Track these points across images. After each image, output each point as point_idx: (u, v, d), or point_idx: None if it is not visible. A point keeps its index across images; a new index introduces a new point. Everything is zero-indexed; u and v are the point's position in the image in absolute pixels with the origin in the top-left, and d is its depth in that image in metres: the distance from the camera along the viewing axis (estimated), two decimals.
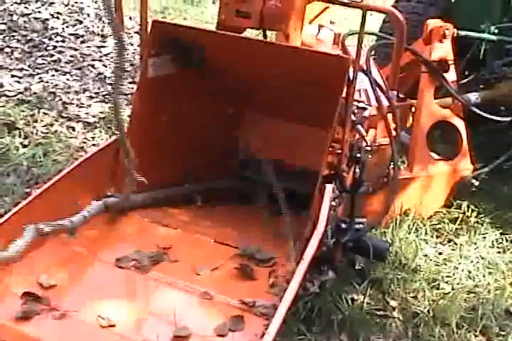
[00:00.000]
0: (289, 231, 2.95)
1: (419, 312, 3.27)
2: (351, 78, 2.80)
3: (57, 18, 6.27)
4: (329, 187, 2.86)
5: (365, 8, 2.73)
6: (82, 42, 6.05)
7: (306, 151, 3.34)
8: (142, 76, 3.14)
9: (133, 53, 6.00)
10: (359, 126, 3.14)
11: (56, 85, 5.32)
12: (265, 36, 3.69)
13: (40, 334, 2.39)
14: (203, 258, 2.92)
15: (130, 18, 6.36)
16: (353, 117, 3.01)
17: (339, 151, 2.92)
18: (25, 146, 4.42)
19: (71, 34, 6.10)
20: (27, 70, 5.53)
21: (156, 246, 2.93)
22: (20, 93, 5.12)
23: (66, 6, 6.54)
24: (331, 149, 2.91)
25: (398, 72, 3.11)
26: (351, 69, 2.78)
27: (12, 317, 2.43)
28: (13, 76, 5.43)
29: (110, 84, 5.46)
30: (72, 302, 2.55)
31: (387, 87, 3.49)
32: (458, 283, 3.51)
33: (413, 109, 4.01)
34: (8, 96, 5.07)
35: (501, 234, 3.95)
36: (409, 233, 3.77)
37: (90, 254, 2.86)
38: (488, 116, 4.28)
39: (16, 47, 5.84)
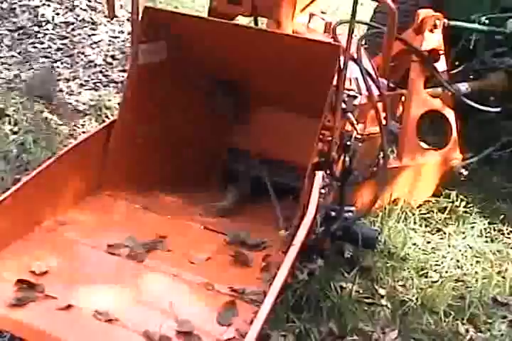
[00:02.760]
0: (279, 215, 2.97)
1: (407, 300, 3.29)
2: (342, 66, 2.80)
3: (48, 5, 6.24)
4: (319, 174, 2.87)
5: None
6: (73, 29, 6.02)
7: (296, 138, 3.34)
8: (133, 62, 3.13)
9: (123, 41, 5.99)
10: (349, 114, 3.15)
11: None
12: (256, 23, 3.69)
13: (35, 322, 2.36)
14: (196, 245, 2.91)
15: (121, 6, 6.33)
16: (343, 105, 3.01)
17: (329, 139, 2.93)
18: (14, 133, 4.41)
19: (62, 22, 6.07)
20: (17, 58, 5.51)
21: (154, 234, 2.92)
22: (10, 80, 5.11)
23: None
24: (321, 137, 2.91)
25: (389, 60, 3.11)
26: (342, 57, 2.79)
27: (5, 304, 2.41)
28: (3, 63, 5.41)
29: (100, 71, 5.47)
30: (67, 289, 2.52)
31: (378, 76, 3.50)
32: (446, 272, 3.53)
33: (403, 99, 4.02)
34: None
35: (489, 223, 3.98)
36: (398, 222, 3.79)
37: (81, 240, 2.85)
38: (478, 106, 4.29)
39: (6, 35, 5.82)
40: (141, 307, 2.50)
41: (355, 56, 3.45)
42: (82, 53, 5.73)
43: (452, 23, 4.17)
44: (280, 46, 2.94)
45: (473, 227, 3.91)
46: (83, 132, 4.52)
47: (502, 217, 4.04)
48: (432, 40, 4.03)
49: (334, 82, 2.80)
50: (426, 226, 3.91)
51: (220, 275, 2.70)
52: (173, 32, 3.11)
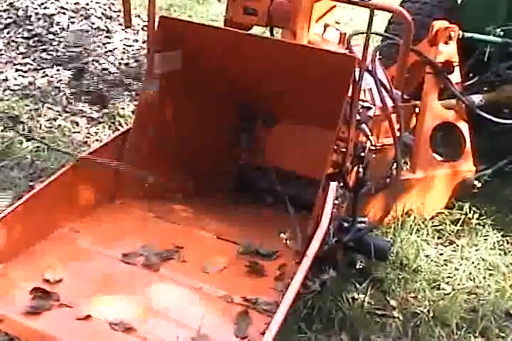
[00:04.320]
0: (296, 222, 2.98)
1: (419, 312, 3.28)
2: (357, 77, 2.80)
3: (64, 13, 6.26)
4: (333, 185, 2.87)
5: (372, 7, 2.73)
6: (87, 37, 6.04)
7: (310, 149, 3.35)
8: (148, 72, 3.14)
9: (138, 50, 6.01)
10: (364, 126, 3.15)
11: (60, 80, 5.32)
12: (272, 34, 3.70)
13: (50, 330, 2.35)
14: (210, 255, 2.91)
15: (135, 15, 6.35)
16: (357, 116, 3.01)
17: (344, 150, 2.93)
18: (28, 140, 4.42)
19: (77, 29, 6.09)
20: (31, 65, 5.53)
21: (168, 243, 2.92)
22: (24, 87, 5.12)
23: (72, 0, 6.54)
24: (335, 148, 2.92)
25: (405, 72, 3.12)
26: (357, 69, 2.79)
27: (21, 311, 2.40)
28: (17, 70, 5.43)
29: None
30: (82, 298, 2.52)
31: (392, 88, 3.50)
32: (458, 284, 3.51)
33: (417, 110, 4.01)
34: (12, 90, 5.07)
35: (502, 236, 3.96)
36: (411, 233, 3.77)
37: (95, 249, 2.85)
38: (492, 118, 4.28)
39: (22, 42, 5.84)
40: (157, 317, 2.49)
41: (370, 67, 3.45)
42: (97, 61, 5.74)
43: (467, 34, 4.17)
44: (295, 57, 2.94)
45: (486, 240, 3.89)
46: (96, 140, 4.53)
47: None
48: (447, 51, 4.03)
49: (349, 94, 2.81)
50: (438, 238, 3.89)
51: (234, 286, 2.69)
52: (188, 41, 3.13)
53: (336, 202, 2.94)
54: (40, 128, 4.58)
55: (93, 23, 6.19)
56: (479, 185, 4.12)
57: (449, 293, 3.43)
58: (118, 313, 2.44)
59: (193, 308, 2.56)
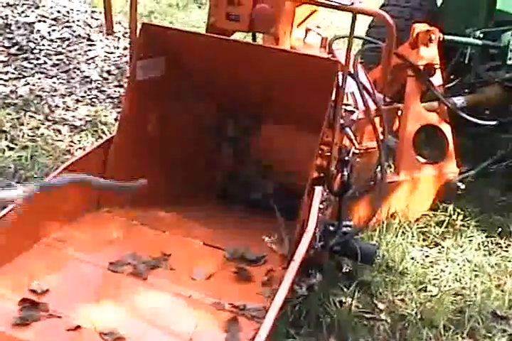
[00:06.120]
0: (283, 227, 2.98)
1: (406, 314, 3.29)
2: (340, 82, 2.81)
3: (44, 21, 6.25)
4: (318, 190, 2.87)
5: (354, 12, 2.74)
6: (69, 45, 6.03)
7: (294, 154, 3.35)
8: (131, 79, 3.13)
9: (119, 57, 6.01)
10: (347, 129, 3.16)
11: (42, 88, 5.30)
12: (254, 39, 3.70)
13: None
14: (197, 262, 2.88)
15: (117, 22, 6.35)
16: (341, 120, 3.02)
17: (328, 154, 2.93)
18: (11, 149, 4.39)
19: (57, 37, 6.08)
20: (13, 73, 5.51)
21: (154, 250, 2.89)
22: (6, 96, 5.10)
23: (52, 8, 6.52)
24: (320, 152, 2.92)
25: (387, 75, 3.13)
26: (340, 73, 2.80)
27: (9, 323, 2.35)
28: None
29: (96, 87, 5.47)
30: (70, 308, 2.47)
31: (374, 91, 3.51)
32: (445, 286, 3.53)
33: (400, 113, 4.03)
34: None
35: (487, 236, 3.99)
36: (396, 236, 3.79)
37: (81, 257, 2.82)
38: (474, 119, 4.31)
39: (2, 51, 5.81)
40: (147, 326, 2.47)
41: (352, 71, 3.46)
42: (78, 69, 5.73)
43: (447, 37, 4.20)
44: (278, 62, 2.94)
45: (471, 241, 3.91)
46: (80, 148, 4.51)
47: (499, 230, 4.05)
48: (428, 54, 4.05)
49: (332, 98, 2.81)
50: (424, 240, 3.91)
51: (222, 292, 2.68)
52: (171, 48, 3.12)
53: (321, 206, 2.95)
54: (22, 137, 4.55)
55: (74, 31, 6.19)
56: (463, 186, 4.14)
57: (436, 295, 3.45)
58: (108, 323, 2.41)
59: (183, 316, 2.54)
